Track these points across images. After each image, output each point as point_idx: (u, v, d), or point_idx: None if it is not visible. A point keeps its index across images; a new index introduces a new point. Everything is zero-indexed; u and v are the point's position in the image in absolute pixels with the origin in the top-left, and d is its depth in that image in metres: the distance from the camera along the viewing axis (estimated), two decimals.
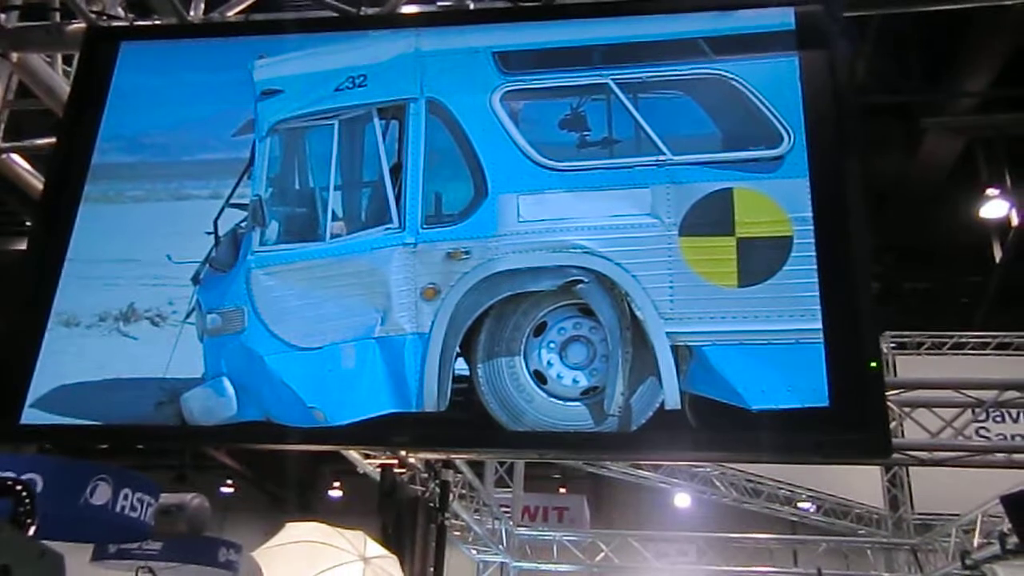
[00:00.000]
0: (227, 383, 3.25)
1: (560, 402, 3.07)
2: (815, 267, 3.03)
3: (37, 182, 5.26)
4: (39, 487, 3.70)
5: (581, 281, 3.13)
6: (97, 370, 3.36)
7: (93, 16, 4.52)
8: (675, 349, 3.02)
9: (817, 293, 2.99)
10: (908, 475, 13.55)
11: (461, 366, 3.14)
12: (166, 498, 4.89)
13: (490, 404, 3.09)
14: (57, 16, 4.76)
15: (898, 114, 11.12)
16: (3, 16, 4.71)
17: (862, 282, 3.03)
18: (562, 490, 19.43)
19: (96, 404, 3.32)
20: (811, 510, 14.44)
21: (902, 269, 14.72)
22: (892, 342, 13.76)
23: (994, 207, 11.16)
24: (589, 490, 18.77)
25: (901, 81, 10.41)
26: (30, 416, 3.31)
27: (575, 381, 3.09)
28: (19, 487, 2.26)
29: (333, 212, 3.41)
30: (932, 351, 13.75)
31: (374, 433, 3.26)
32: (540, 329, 3.15)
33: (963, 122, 10.63)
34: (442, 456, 9.00)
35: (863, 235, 3.06)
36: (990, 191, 11.13)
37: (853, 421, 2.86)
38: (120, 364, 3.35)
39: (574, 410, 3.06)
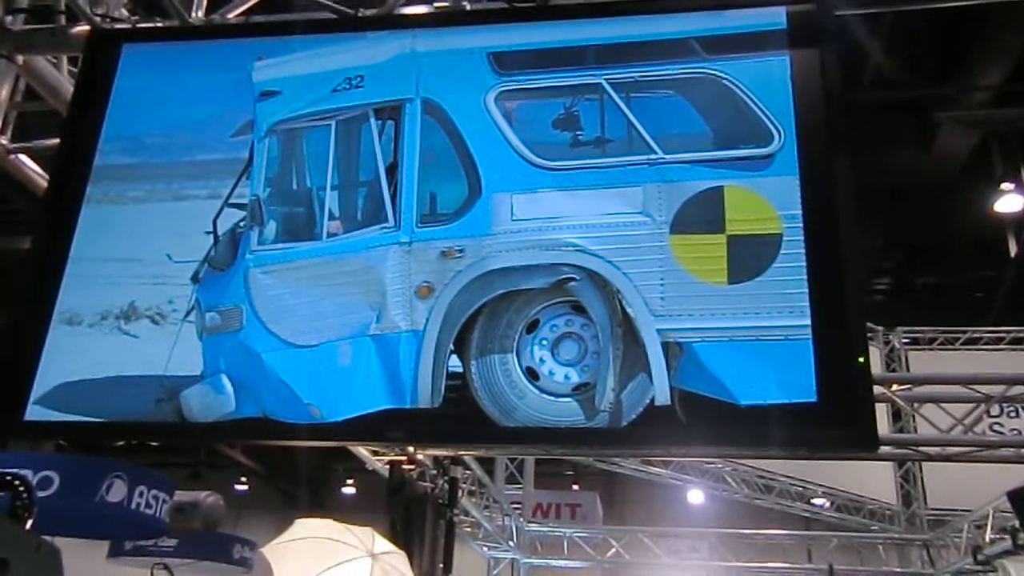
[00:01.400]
0: (225, 380, 3.29)
1: (552, 398, 3.10)
2: (804, 264, 3.04)
3: (44, 183, 5.32)
4: (55, 484, 3.74)
5: (573, 279, 3.16)
6: (98, 368, 3.41)
7: (97, 19, 4.58)
8: (665, 346, 3.04)
9: (806, 290, 3.01)
10: (921, 471, 13.45)
11: (455, 363, 3.17)
12: (181, 496, 4.93)
13: (483, 400, 3.12)
14: (62, 19, 4.81)
15: (911, 108, 11.06)
16: (9, 19, 4.76)
17: (851, 279, 3.04)
18: (575, 487, 19.48)
19: (97, 401, 3.38)
20: (824, 506, 14.35)
21: (915, 264, 14.64)
22: (905, 337, 13.65)
23: (1009, 201, 11.09)
24: (601, 487, 18.81)
25: (914, 75, 10.35)
26: (33, 413, 3.37)
27: (567, 377, 3.12)
28: (17, 481, 2.31)
29: (330, 211, 3.45)
30: (945, 346, 13.62)
31: (369, 429, 3.30)
32: (532, 326, 3.18)
33: (977, 116, 10.56)
34: (450, 453, 9.03)
35: (853, 232, 3.07)
36: (1005, 185, 11.06)
37: (840, 416, 2.88)
38: (121, 362, 3.40)
39: (565, 406, 3.08)
